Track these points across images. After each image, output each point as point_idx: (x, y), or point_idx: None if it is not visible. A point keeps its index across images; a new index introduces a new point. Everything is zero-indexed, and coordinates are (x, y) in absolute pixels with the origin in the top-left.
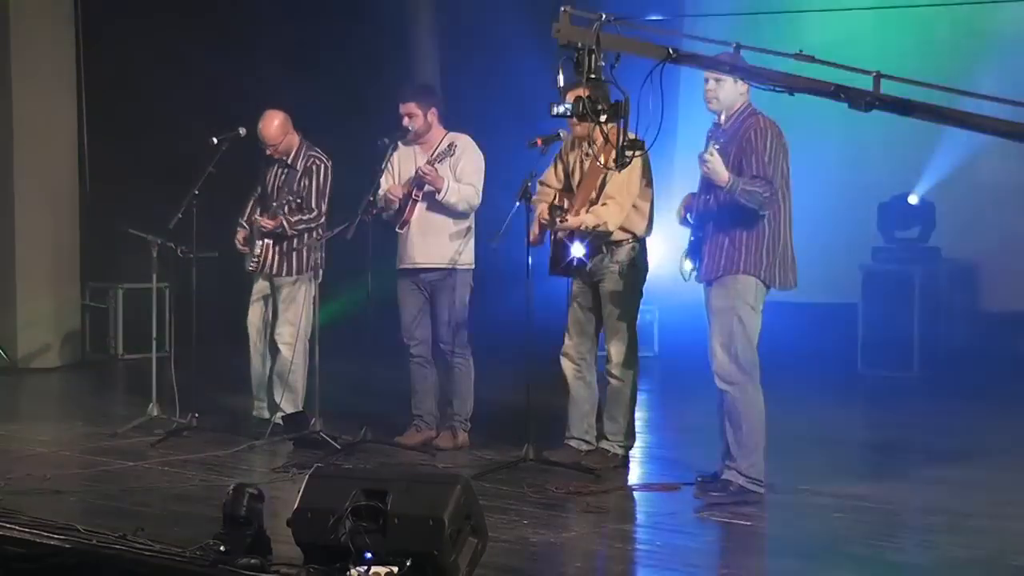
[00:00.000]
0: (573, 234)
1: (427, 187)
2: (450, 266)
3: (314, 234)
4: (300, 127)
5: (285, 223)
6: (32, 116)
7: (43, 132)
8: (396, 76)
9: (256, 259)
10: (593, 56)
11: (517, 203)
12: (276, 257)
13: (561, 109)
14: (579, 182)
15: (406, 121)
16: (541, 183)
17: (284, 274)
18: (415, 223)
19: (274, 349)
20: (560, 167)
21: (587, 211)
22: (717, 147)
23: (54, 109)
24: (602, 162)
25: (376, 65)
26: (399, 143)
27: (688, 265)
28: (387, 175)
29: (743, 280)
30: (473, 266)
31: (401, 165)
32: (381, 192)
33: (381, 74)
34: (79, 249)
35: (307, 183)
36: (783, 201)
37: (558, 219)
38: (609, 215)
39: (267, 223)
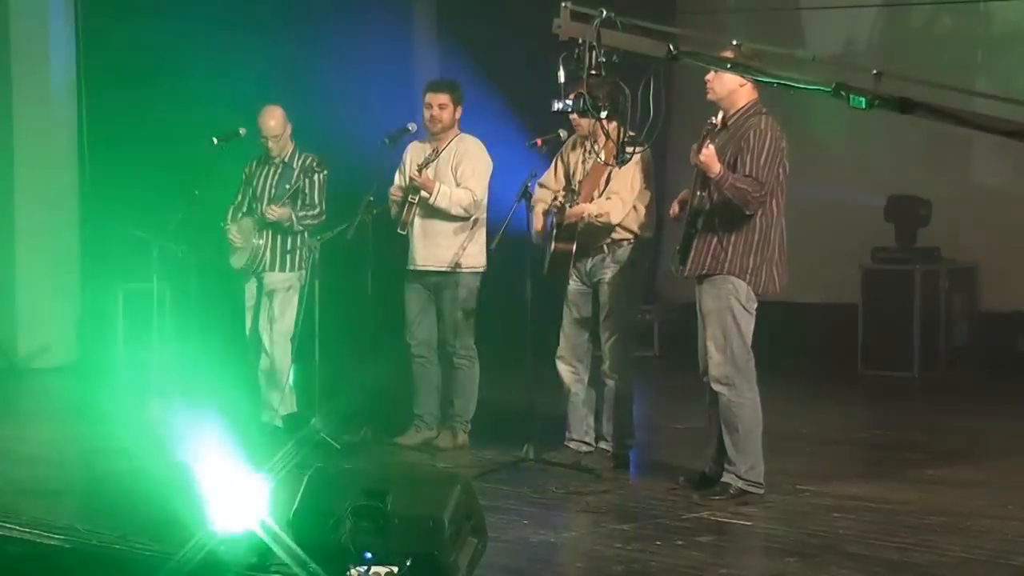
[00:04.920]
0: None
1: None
2: (451, 269)
3: (309, 234)
4: (299, 126)
5: (293, 216)
6: (32, 116)
7: (43, 133)
8: (396, 76)
9: (251, 257)
10: (594, 52)
11: (517, 203)
12: (270, 254)
13: (561, 105)
14: (581, 181)
15: (436, 111)
16: (540, 185)
17: (277, 270)
18: (417, 226)
19: (261, 348)
20: (560, 168)
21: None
22: (712, 145)
23: (54, 109)
24: (602, 158)
25: (376, 65)
26: (410, 139)
27: (678, 261)
28: (399, 171)
29: (733, 280)
30: (480, 268)
31: (413, 162)
32: (392, 189)
33: (381, 74)
34: (79, 249)
35: (306, 180)
36: (776, 205)
37: (568, 205)
38: (612, 207)
39: (276, 211)
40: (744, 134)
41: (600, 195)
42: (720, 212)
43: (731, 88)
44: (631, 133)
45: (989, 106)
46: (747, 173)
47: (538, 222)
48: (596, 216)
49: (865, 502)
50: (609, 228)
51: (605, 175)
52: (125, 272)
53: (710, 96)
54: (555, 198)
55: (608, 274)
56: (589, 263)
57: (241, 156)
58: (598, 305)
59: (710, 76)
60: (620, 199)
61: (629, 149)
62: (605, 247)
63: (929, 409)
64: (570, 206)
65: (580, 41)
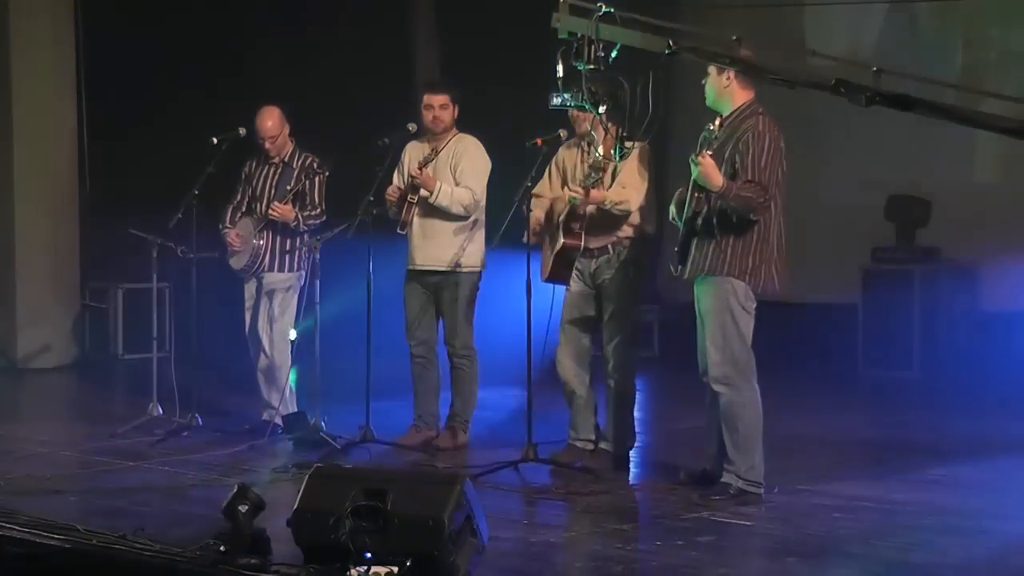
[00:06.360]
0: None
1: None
2: (451, 268)
3: (308, 234)
4: (299, 126)
5: (299, 216)
6: (32, 116)
7: (43, 132)
8: (396, 75)
9: (251, 258)
10: (593, 47)
11: (517, 203)
12: (269, 255)
13: (559, 100)
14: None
15: (438, 112)
16: (535, 195)
17: (277, 270)
18: (416, 225)
19: (261, 348)
20: (556, 175)
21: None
22: (710, 152)
23: (54, 109)
24: (601, 153)
25: (376, 64)
26: (409, 139)
27: (677, 261)
28: (398, 171)
29: (732, 280)
30: (479, 268)
31: (412, 162)
32: (389, 189)
33: (381, 73)
34: (79, 249)
35: (307, 180)
36: (774, 205)
37: (586, 189)
38: (630, 196)
39: (280, 208)
40: (742, 135)
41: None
42: (718, 213)
43: (719, 91)
44: (624, 134)
45: (990, 104)
46: (748, 178)
47: (536, 221)
48: (616, 204)
49: (865, 502)
50: (616, 223)
51: (610, 171)
52: (125, 272)
53: (707, 100)
54: (576, 181)
55: (611, 275)
56: (593, 264)
57: (240, 156)
58: (600, 306)
59: (704, 81)
60: (635, 188)
61: (628, 144)
62: (610, 247)
63: (929, 409)
64: (591, 187)
65: (579, 36)
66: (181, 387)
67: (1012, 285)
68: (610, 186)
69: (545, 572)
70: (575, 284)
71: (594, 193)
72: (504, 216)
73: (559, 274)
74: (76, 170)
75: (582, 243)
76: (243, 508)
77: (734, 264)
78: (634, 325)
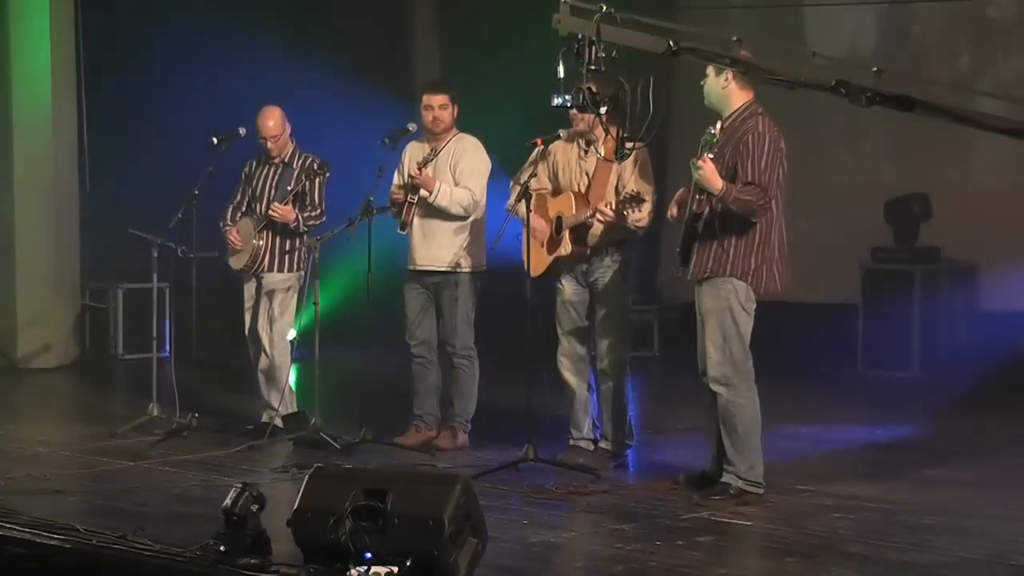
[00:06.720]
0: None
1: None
2: (451, 269)
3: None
4: (300, 127)
5: (300, 217)
6: (32, 116)
7: (43, 132)
8: (396, 75)
9: (250, 258)
10: (593, 48)
11: (516, 203)
12: (269, 255)
13: (560, 100)
14: (589, 183)
15: (437, 112)
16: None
17: (276, 271)
18: (416, 225)
19: (261, 348)
20: (544, 171)
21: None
22: (711, 155)
23: (54, 109)
24: (602, 154)
25: (377, 64)
26: (409, 139)
27: (679, 263)
28: (398, 171)
29: (733, 281)
30: (480, 268)
31: (412, 162)
32: (392, 188)
33: (382, 73)
34: (79, 249)
35: (307, 181)
36: (775, 206)
37: (619, 214)
38: (646, 214)
39: (281, 209)
40: (742, 137)
41: (613, 192)
42: (719, 214)
43: (718, 93)
44: (625, 135)
45: (990, 105)
46: (748, 180)
47: (536, 222)
48: (636, 222)
49: (865, 502)
50: (621, 230)
51: (613, 173)
52: (125, 272)
53: (705, 102)
54: (607, 204)
55: (607, 275)
56: (586, 264)
57: (241, 156)
58: (593, 306)
59: (702, 82)
60: (649, 203)
61: (628, 145)
62: (604, 248)
63: (929, 409)
64: (631, 211)
65: (580, 36)
66: (181, 387)
67: (1012, 285)
68: (617, 185)
69: (545, 572)
70: (570, 285)
71: (622, 216)
72: (504, 216)
73: (554, 271)
74: (76, 170)
75: (588, 250)
76: (254, 508)
77: (736, 265)
78: (627, 324)
